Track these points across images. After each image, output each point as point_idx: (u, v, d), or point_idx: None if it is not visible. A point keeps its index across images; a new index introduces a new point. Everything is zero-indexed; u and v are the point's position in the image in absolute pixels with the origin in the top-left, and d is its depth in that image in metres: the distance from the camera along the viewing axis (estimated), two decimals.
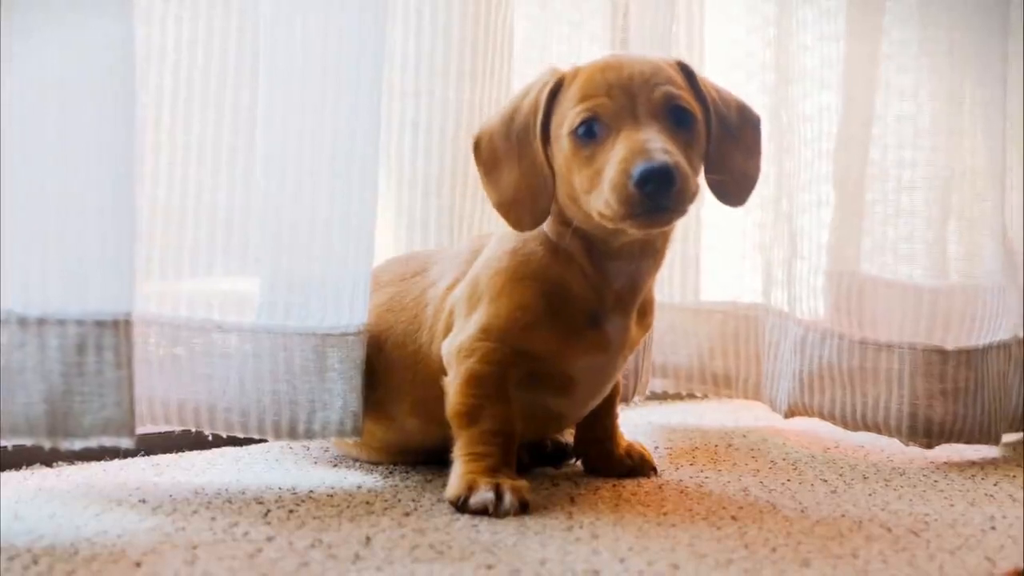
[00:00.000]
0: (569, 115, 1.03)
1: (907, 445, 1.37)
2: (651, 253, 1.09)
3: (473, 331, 1.07)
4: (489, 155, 1.08)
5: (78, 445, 0.95)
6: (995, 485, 1.21)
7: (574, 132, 1.02)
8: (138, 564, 0.84)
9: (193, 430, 1.13)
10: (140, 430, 1.22)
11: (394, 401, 1.15)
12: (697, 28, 1.56)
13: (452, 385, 1.08)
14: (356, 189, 1.11)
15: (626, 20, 1.49)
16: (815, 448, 1.40)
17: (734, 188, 1.10)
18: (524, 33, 1.45)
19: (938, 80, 1.41)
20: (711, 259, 1.63)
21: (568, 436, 1.26)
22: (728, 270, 1.62)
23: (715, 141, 1.07)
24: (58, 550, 0.87)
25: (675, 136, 1.01)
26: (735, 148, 1.09)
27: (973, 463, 1.34)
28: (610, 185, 0.98)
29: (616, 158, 0.98)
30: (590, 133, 1.01)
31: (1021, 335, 1.45)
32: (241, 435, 1.13)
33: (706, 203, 1.61)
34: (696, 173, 1.03)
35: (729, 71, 1.59)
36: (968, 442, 1.37)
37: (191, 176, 1.13)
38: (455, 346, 1.08)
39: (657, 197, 0.96)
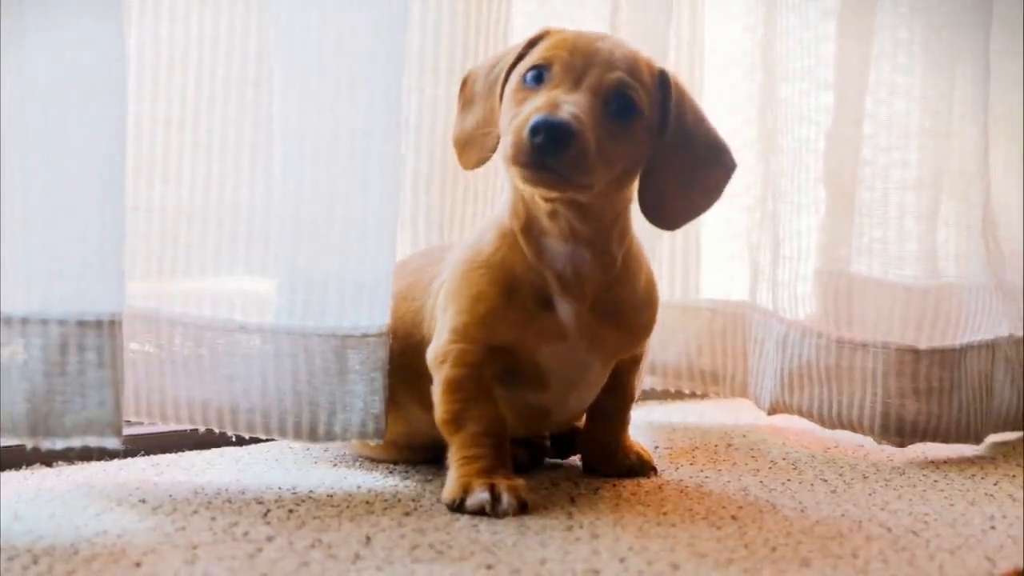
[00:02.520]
0: (527, 60, 1.05)
1: (880, 444, 1.37)
2: (585, 243, 1.07)
3: (445, 335, 1.08)
4: (469, 93, 1.12)
5: (59, 445, 0.95)
6: (995, 485, 1.21)
7: (523, 75, 1.04)
8: (138, 564, 0.84)
9: (216, 430, 1.13)
10: (143, 430, 1.23)
11: (403, 388, 1.15)
12: (687, 24, 1.55)
13: (435, 393, 1.08)
14: (376, 187, 1.11)
15: (624, 17, 1.48)
16: (815, 448, 1.40)
17: (671, 211, 1.10)
18: (521, 31, 1.45)
19: (925, 79, 1.41)
20: (703, 257, 1.62)
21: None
22: (718, 269, 1.62)
23: (667, 157, 1.07)
24: (58, 550, 0.87)
25: (605, 120, 1.01)
26: (692, 177, 1.09)
27: (973, 463, 1.34)
28: (513, 128, 0.99)
29: (531, 105, 1.00)
30: (537, 79, 1.03)
31: (1019, 335, 1.45)
32: (263, 436, 1.13)
33: None
34: (609, 164, 1.01)
35: (727, 69, 1.59)
36: (945, 441, 1.37)
37: (214, 174, 1.13)
38: (433, 353, 1.09)
39: (544, 152, 0.96)
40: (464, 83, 1.13)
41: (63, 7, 0.94)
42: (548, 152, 0.96)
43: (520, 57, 1.08)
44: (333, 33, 1.09)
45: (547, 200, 1.05)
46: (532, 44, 1.08)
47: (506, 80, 1.07)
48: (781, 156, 1.46)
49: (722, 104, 1.58)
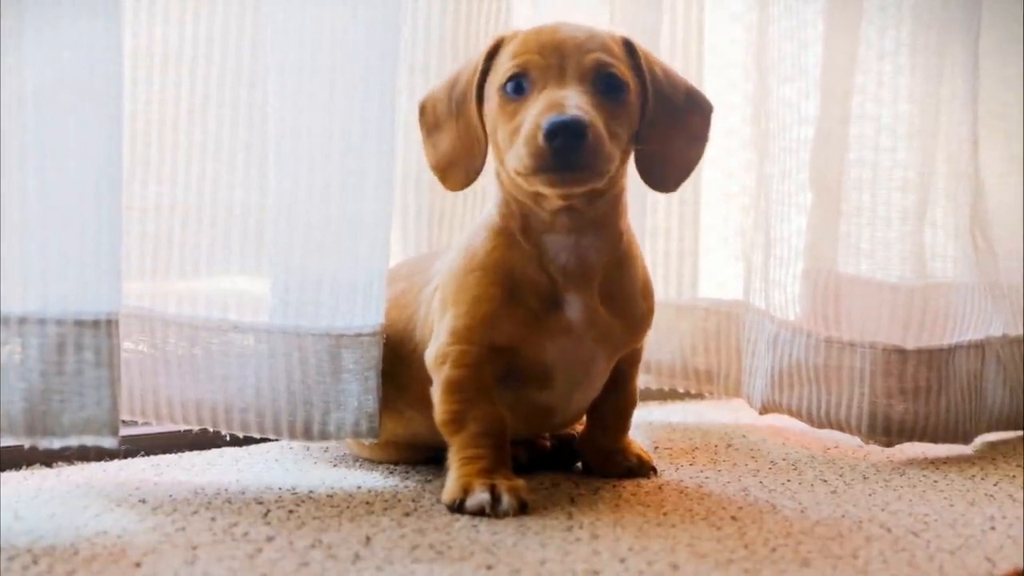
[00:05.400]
0: (500, 71, 1.05)
1: (866, 443, 1.37)
2: (591, 227, 1.08)
3: (444, 337, 1.08)
4: (432, 118, 1.11)
5: (57, 444, 0.96)
6: (995, 485, 1.21)
7: (503, 87, 1.04)
8: (138, 564, 0.84)
9: (210, 429, 1.13)
10: (143, 430, 1.23)
11: (399, 394, 1.15)
12: (682, 22, 1.55)
13: (435, 394, 1.08)
14: (370, 187, 1.12)
15: (619, 17, 1.48)
16: (815, 448, 1.40)
17: (669, 171, 1.11)
18: None
19: (913, 78, 1.41)
20: (700, 257, 1.62)
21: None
22: (716, 269, 1.62)
23: (653, 119, 1.08)
24: (58, 550, 0.87)
25: (600, 102, 1.02)
26: (678, 131, 1.10)
27: (973, 463, 1.33)
28: (523, 138, 0.99)
29: (532, 112, 0.99)
30: (518, 89, 1.03)
31: (1013, 334, 1.44)
32: (257, 435, 1.13)
33: (704, 204, 1.62)
34: (619, 143, 1.03)
35: (726, 69, 1.59)
36: (933, 441, 1.37)
37: (208, 174, 1.13)
38: (432, 355, 1.09)
39: (565, 152, 0.97)
40: (423, 109, 1.12)
41: (61, 7, 0.95)
42: (568, 151, 0.96)
43: (484, 71, 1.07)
44: (327, 33, 1.09)
45: (567, 198, 1.04)
46: (491, 55, 1.07)
47: (479, 97, 1.07)
48: (776, 157, 1.46)
49: (721, 104, 1.58)
